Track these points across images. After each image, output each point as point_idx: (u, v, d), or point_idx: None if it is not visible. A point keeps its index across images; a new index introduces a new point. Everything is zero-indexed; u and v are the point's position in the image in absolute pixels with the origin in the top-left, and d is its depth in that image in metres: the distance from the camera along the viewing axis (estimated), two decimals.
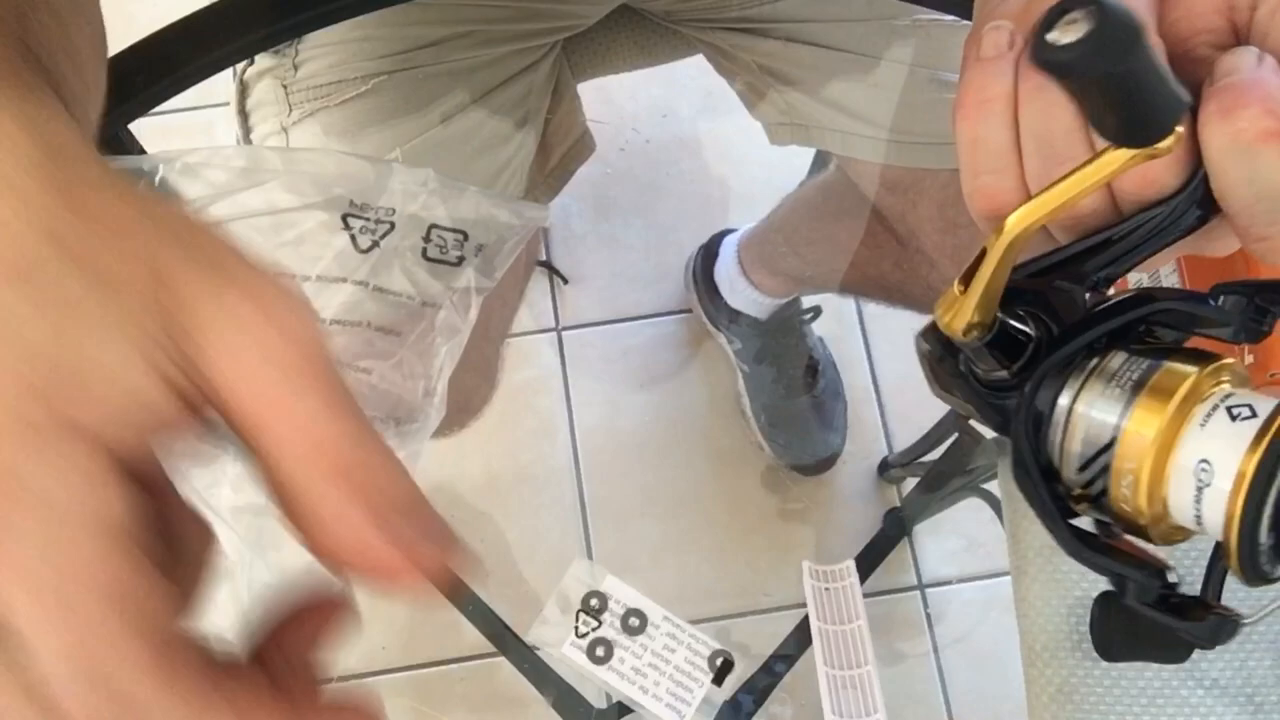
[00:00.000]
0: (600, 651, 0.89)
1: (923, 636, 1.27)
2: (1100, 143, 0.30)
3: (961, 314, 0.31)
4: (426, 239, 0.60)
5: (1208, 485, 0.29)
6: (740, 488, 1.31)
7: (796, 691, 0.92)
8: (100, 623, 0.21)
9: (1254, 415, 0.28)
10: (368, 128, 0.68)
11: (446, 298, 0.60)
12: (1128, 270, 0.32)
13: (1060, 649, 0.68)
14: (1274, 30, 0.30)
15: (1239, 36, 0.31)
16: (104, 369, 0.22)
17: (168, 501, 0.24)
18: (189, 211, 0.25)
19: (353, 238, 0.59)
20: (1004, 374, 0.33)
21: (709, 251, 1.32)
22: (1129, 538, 0.32)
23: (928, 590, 1.28)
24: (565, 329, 1.36)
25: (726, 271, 1.28)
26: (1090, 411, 0.31)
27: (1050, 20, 0.26)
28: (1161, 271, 0.56)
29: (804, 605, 0.86)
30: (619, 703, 0.88)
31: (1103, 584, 0.34)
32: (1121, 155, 0.29)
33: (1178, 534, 0.31)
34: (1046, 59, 0.27)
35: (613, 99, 1.44)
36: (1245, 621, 0.32)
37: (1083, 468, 0.31)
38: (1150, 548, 0.31)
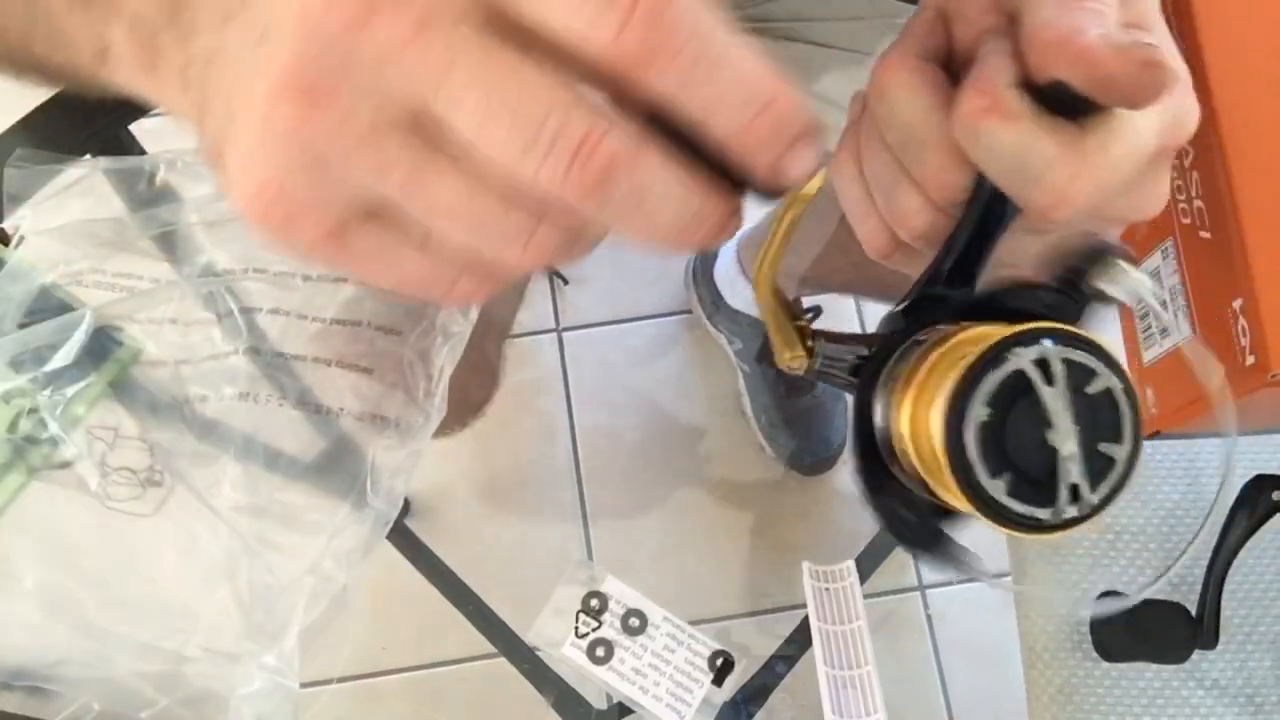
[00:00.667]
0: (600, 652, 0.89)
1: (923, 637, 1.27)
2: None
3: (782, 357, 0.40)
4: None
5: None
6: (740, 488, 1.30)
7: (796, 691, 0.92)
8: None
9: None
10: None
11: None
12: (986, 259, 0.35)
13: (1060, 649, 0.68)
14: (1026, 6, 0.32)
15: (1015, 24, 0.33)
16: None
17: None
18: None
19: None
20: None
21: (709, 252, 1.32)
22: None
23: (928, 590, 1.28)
24: (566, 329, 1.36)
25: (726, 271, 1.28)
26: (880, 403, 0.35)
27: None
28: (1162, 272, 0.56)
29: (804, 606, 0.86)
30: (619, 703, 0.87)
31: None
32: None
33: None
34: None
35: None
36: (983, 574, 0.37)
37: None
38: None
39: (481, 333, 0.63)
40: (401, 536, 0.84)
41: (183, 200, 0.58)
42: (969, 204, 0.34)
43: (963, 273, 0.35)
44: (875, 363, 0.36)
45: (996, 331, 0.31)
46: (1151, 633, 0.64)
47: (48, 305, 0.56)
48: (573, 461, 1.30)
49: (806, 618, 0.86)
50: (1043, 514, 0.30)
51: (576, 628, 0.90)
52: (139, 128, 0.64)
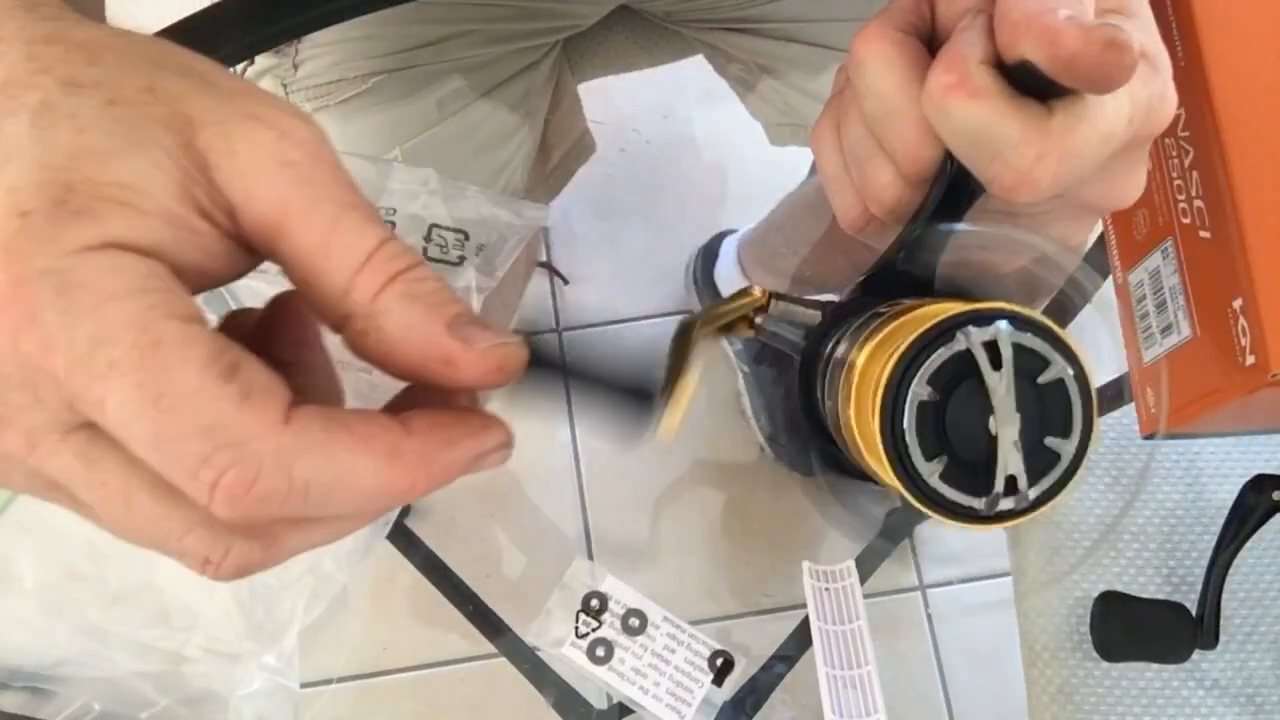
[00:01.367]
0: (600, 652, 0.89)
1: (923, 637, 1.27)
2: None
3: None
4: (427, 239, 0.60)
5: None
6: (740, 488, 1.30)
7: (796, 691, 0.92)
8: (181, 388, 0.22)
9: None
10: (367, 127, 0.68)
11: None
12: (955, 226, 0.34)
13: (1061, 649, 0.68)
14: None
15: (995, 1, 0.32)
16: (137, 185, 0.23)
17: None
18: (180, 48, 0.26)
19: None
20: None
21: (709, 252, 1.32)
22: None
23: (928, 590, 1.28)
24: (566, 329, 1.36)
25: (727, 272, 1.28)
26: (836, 356, 0.35)
27: None
28: (1162, 272, 0.56)
29: (804, 605, 0.86)
30: (619, 703, 0.87)
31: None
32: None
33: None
34: None
35: (613, 100, 1.44)
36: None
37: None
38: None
39: None
40: (401, 536, 0.84)
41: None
42: (934, 180, 0.33)
43: (926, 248, 0.34)
44: (828, 325, 0.35)
45: (951, 308, 0.30)
46: (1151, 633, 0.64)
47: None
48: (573, 461, 1.30)
49: (806, 618, 0.86)
50: (976, 503, 0.29)
51: (576, 628, 0.90)
52: None
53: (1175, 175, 0.52)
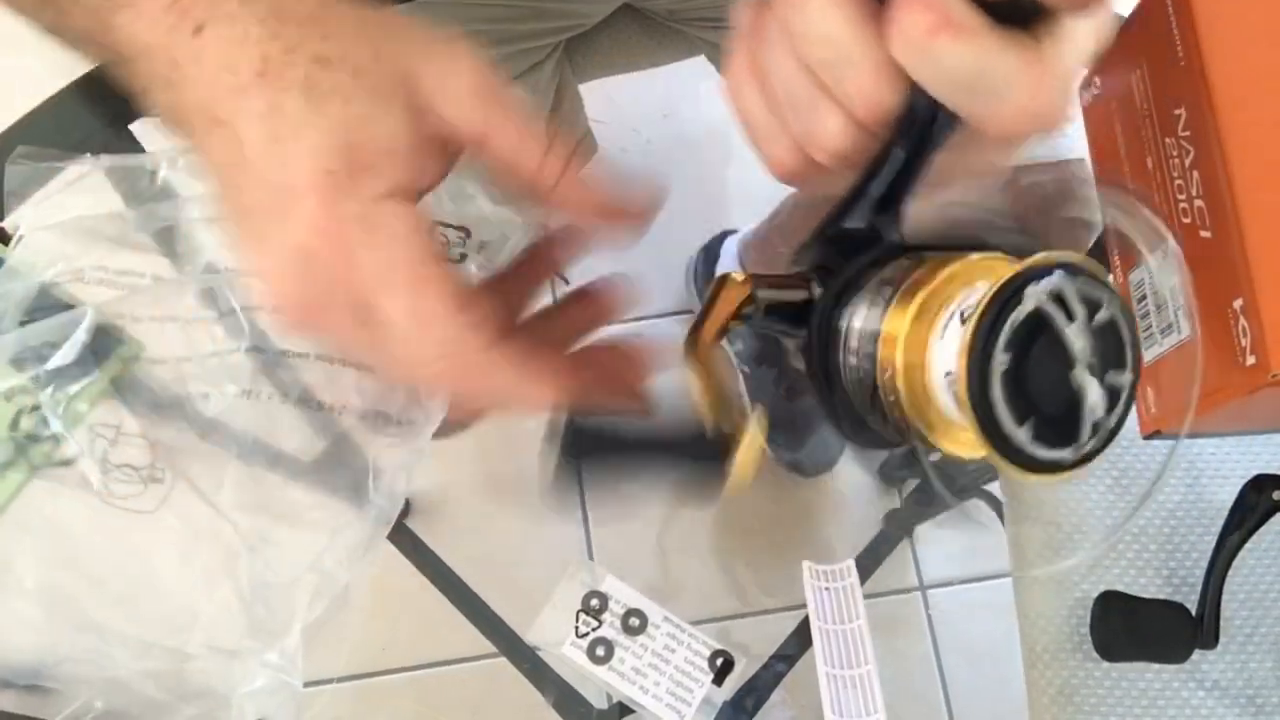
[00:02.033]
0: (600, 651, 0.89)
1: (923, 637, 1.26)
2: None
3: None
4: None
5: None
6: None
7: (796, 691, 0.92)
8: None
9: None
10: None
11: None
12: (914, 185, 0.34)
13: (1061, 650, 0.68)
14: None
15: None
16: (393, 141, 0.33)
17: None
18: (369, 11, 0.34)
19: None
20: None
21: (710, 252, 1.32)
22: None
23: (929, 591, 1.28)
24: None
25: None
26: (855, 322, 0.34)
27: None
28: (1163, 272, 0.56)
29: (804, 605, 0.86)
30: (619, 703, 0.87)
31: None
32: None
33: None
34: None
35: (615, 100, 1.44)
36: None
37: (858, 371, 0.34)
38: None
39: None
40: (402, 536, 0.84)
41: (184, 198, 0.59)
42: (903, 124, 0.32)
43: (894, 195, 0.34)
44: (835, 297, 0.34)
45: (995, 265, 0.29)
46: (1151, 633, 0.64)
47: (49, 303, 0.56)
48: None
49: (806, 618, 0.86)
50: (1064, 454, 0.29)
51: (576, 628, 0.90)
52: (139, 127, 0.64)
53: (1175, 175, 0.52)
